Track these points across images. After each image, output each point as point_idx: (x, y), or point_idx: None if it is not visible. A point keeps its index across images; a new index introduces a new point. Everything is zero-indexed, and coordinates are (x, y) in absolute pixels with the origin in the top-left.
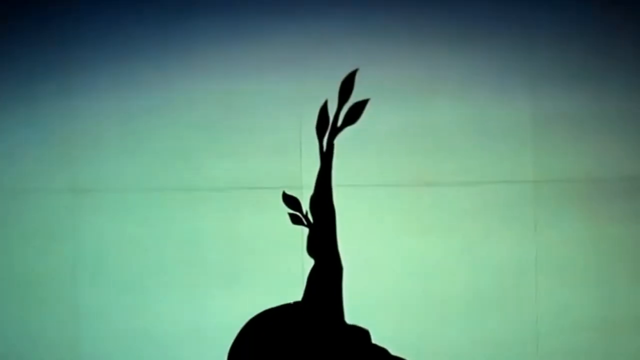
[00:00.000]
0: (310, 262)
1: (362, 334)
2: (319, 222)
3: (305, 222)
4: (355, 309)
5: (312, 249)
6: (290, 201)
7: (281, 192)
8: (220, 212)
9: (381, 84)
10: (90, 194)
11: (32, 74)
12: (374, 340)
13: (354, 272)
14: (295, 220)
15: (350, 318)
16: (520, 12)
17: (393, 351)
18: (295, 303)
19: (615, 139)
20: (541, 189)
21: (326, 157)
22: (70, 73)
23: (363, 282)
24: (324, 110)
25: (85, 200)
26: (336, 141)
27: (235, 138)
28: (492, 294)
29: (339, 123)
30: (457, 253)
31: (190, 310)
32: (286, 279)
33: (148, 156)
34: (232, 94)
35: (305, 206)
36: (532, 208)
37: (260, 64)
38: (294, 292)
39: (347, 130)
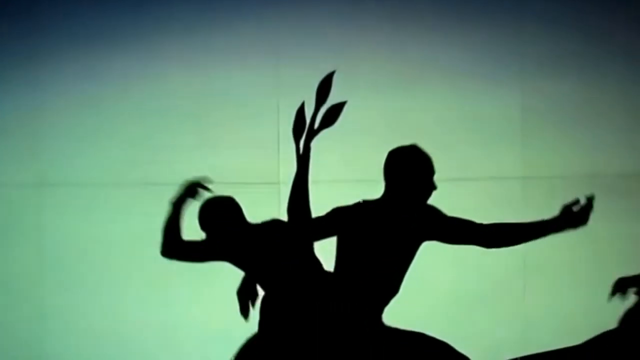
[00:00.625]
0: None
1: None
2: (295, 226)
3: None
4: None
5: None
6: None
7: (259, 186)
8: (191, 207)
9: (368, 79)
10: (57, 189)
11: (1, 66)
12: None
13: None
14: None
15: None
16: (510, 7)
17: None
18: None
19: (606, 135)
20: (530, 186)
21: (303, 160)
22: (37, 65)
23: None
24: (300, 112)
25: (52, 195)
26: (313, 143)
27: (209, 132)
28: (480, 292)
29: (316, 125)
30: (444, 250)
31: (159, 308)
32: None
33: (117, 150)
34: (207, 87)
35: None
36: (520, 205)
37: (239, 55)
38: None
39: (333, 126)
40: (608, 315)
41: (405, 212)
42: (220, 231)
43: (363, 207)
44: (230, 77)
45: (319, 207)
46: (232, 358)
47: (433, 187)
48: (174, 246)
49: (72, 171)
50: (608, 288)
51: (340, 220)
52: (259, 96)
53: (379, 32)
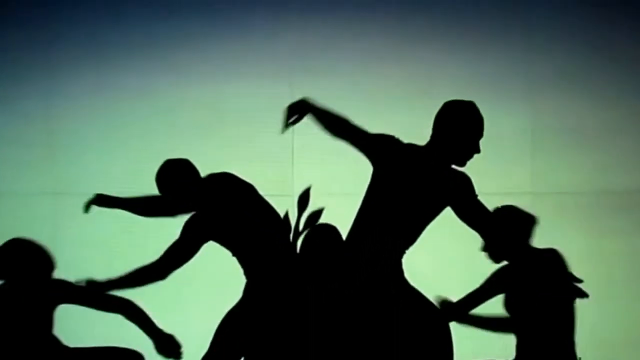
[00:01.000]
0: None
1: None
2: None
3: None
4: None
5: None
6: None
7: (273, 198)
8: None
9: (380, 94)
10: (72, 197)
11: (14, 76)
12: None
13: None
14: None
15: None
16: (520, 23)
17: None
18: None
19: (615, 151)
20: (539, 201)
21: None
22: (52, 76)
23: None
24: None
25: (67, 204)
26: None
27: (223, 144)
28: (488, 309)
29: (300, 228)
30: (455, 265)
31: (174, 314)
32: None
33: (130, 160)
34: (220, 98)
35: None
36: None
37: (253, 69)
38: None
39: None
40: (615, 327)
41: (447, 168)
42: (183, 191)
43: (411, 149)
44: (244, 90)
45: (331, 219)
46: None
47: (478, 148)
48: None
49: (87, 180)
50: (618, 305)
51: (387, 146)
52: (273, 109)
53: (390, 48)
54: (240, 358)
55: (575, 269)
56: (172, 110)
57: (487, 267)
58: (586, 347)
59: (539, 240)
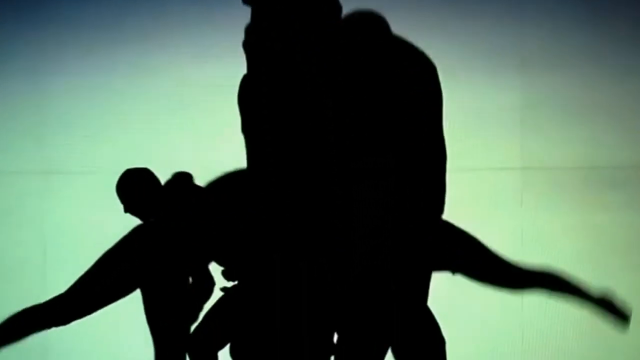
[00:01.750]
0: None
1: None
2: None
3: None
4: None
5: None
6: None
7: None
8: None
9: None
10: (62, 177)
11: (2, 55)
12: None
13: None
14: None
15: None
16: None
17: None
18: None
19: (605, 126)
20: (529, 176)
21: None
22: (41, 55)
23: None
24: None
25: (56, 183)
26: None
27: (212, 122)
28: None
29: None
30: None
31: None
32: None
33: (121, 139)
34: (220, 81)
35: None
36: (520, 195)
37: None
38: None
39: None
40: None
41: None
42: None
43: None
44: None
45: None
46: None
47: None
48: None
49: (76, 159)
50: (609, 281)
51: None
52: None
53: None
54: (229, 340)
55: (566, 246)
56: (163, 89)
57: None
58: (574, 321)
59: (530, 216)
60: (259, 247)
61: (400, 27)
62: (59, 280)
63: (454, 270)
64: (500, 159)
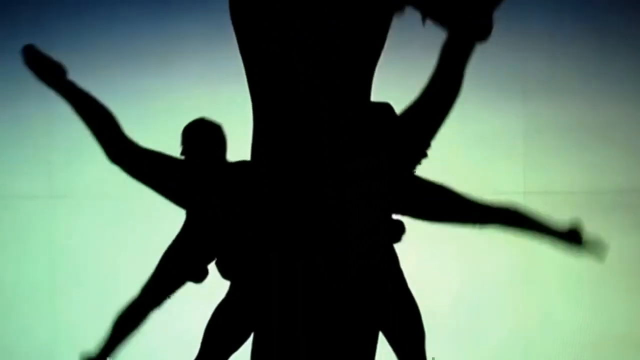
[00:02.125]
0: None
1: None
2: None
3: None
4: None
5: None
6: None
7: None
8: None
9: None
10: (68, 200)
11: (11, 78)
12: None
13: None
14: None
15: None
16: (513, 22)
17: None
18: None
19: (607, 150)
20: (532, 201)
21: None
22: None
23: None
24: None
25: (62, 207)
26: None
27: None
28: (482, 306)
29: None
30: (444, 266)
31: (171, 317)
32: None
33: None
34: (215, 99)
35: None
36: None
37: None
38: None
39: None
40: (606, 326)
41: None
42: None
43: None
44: (240, 92)
45: None
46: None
47: None
48: (120, 145)
49: (83, 183)
50: (603, 300)
51: None
52: None
53: (392, 49)
54: (231, 353)
55: (569, 270)
56: (170, 112)
57: (485, 265)
58: (576, 344)
59: (533, 240)
60: (256, 246)
61: (404, 55)
62: (68, 303)
63: (422, 216)
64: (503, 184)
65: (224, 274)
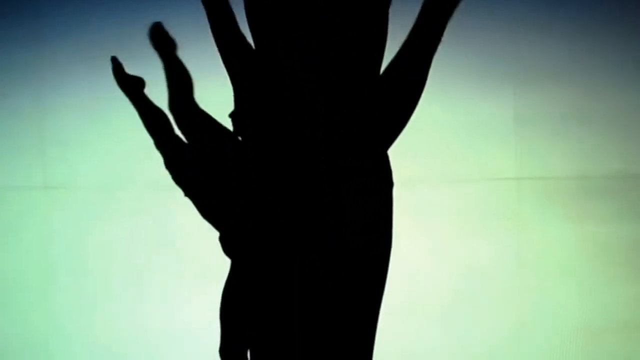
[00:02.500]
0: None
1: None
2: None
3: None
4: None
5: None
6: None
7: None
8: (196, 211)
9: None
10: (64, 192)
11: (5, 69)
12: None
13: None
14: None
15: None
16: (505, 12)
17: (376, 352)
18: None
19: (598, 136)
20: (524, 187)
21: None
22: (43, 69)
23: None
24: None
25: (59, 198)
26: None
27: None
28: (474, 292)
29: None
30: (439, 251)
31: (164, 311)
32: None
33: (123, 153)
34: (212, 90)
35: None
36: (515, 206)
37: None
38: None
39: None
40: (596, 311)
41: None
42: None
43: None
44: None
45: None
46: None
47: None
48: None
49: (79, 174)
50: (597, 286)
51: None
52: None
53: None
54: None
55: (561, 256)
56: (164, 104)
57: (484, 262)
58: (568, 330)
59: (525, 226)
60: (255, 234)
61: (397, 40)
62: (63, 294)
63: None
64: (495, 170)
65: (226, 251)
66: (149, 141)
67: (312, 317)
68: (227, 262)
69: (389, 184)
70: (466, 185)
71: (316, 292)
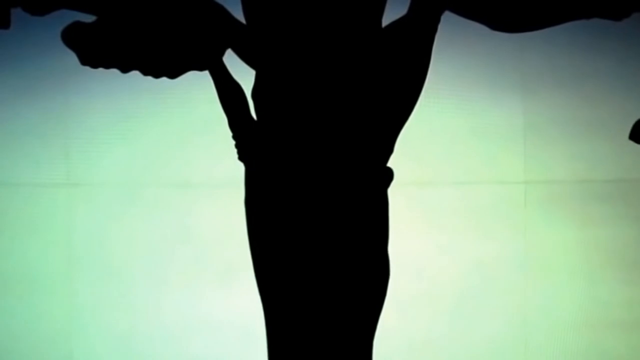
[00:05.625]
0: None
1: None
2: None
3: None
4: None
5: None
6: None
7: None
8: (216, 209)
9: None
10: (87, 189)
11: (30, 69)
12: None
13: None
14: None
15: None
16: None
17: (382, 350)
18: None
19: (605, 141)
20: (532, 190)
21: None
22: (67, 68)
23: None
24: None
25: (80, 195)
26: None
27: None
28: (481, 294)
29: None
30: (447, 253)
31: (184, 308)
32: None
33: (144, 151)
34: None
35: None
36: (522, 209)
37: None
38: None
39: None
40: (599, 311)
41: None
42: None
43: None
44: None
45: None
46: None
47: None
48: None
49: (102, 171)
50: (600, 287)
51: None
52: None
53: None
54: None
55: (567, 258)
56: (188, 103)
57: (486, 260)
58: (574, 330)
59: (533, 229)
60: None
61: None
62: (86, 289)
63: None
64: (503, 173)
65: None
66: (171, 138)
67: (312, 317)
68: (248, 258)
69: (388, 178)
70: (475, 187)
71: (316, 291)
